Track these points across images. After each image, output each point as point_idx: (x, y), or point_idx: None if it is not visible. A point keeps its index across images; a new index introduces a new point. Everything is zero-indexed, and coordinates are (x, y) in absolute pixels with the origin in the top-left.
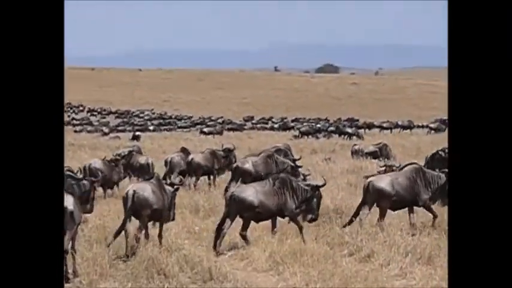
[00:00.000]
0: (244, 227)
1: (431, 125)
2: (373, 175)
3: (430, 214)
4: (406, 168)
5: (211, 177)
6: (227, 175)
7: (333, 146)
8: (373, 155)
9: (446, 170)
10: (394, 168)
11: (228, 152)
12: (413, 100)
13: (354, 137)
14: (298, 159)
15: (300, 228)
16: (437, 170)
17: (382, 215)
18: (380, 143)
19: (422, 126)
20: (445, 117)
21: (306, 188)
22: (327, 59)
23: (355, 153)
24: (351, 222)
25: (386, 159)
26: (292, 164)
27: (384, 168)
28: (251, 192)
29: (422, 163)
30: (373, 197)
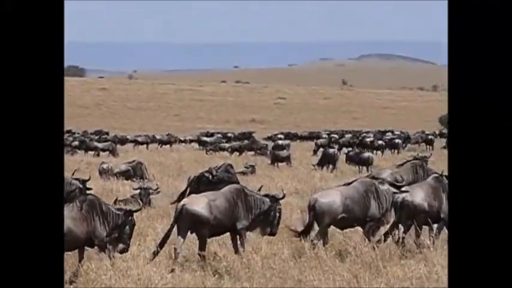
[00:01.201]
0: None
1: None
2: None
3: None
4: (355, 183)
5: None
6: None
7: (77, 165)
8: (125, 174)
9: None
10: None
11: None
12: (175, 109)
13: (105, 153)
14: None
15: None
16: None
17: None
18: (134, 161)
19: (185, 141)
20: (212, 130)
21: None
22: (71, 59)
23: (103, 172)
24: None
25: (141, 180)
26: None
27: None
28: None
29: (184, 184)
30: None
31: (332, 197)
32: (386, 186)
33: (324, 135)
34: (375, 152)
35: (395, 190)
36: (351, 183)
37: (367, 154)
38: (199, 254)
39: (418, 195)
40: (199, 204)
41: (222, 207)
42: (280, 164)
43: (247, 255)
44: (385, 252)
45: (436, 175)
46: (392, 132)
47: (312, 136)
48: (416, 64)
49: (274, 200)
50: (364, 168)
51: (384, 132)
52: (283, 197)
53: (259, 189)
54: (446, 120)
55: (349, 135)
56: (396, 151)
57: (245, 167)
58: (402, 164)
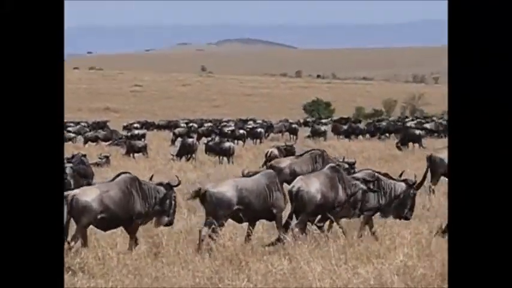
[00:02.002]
0: None
1: None
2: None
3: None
4: (258, 176)
5: None
6: None
7: None
8: None
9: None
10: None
11: None
12: None
13: None
14: None
15: None
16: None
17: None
18: None
19: None
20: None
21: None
22: None
23: None
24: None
25: None
26: None
27: None
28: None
29: None
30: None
31: (225, 188)
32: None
33: (182, 124)
34: (236, 141)
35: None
36: (254, 174)
37: (227, 144)
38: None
39: (313, 185)
40: (89, 195)
41: (116, 198)
42: (136, 154)
43: (103, 251)
44: (246, 247)
45: (332, 165)
46: (254, 121)
47: (169, 125)
48: (277, 49)
49: (169, 187)
50: (225, 158)
51: (246, 121)
52: (179, 183)
53: (151, 178)
54: (311, 108)
55: (209, 124)
56: (258, 141)
57: (99, 158)
58: (302, 154)
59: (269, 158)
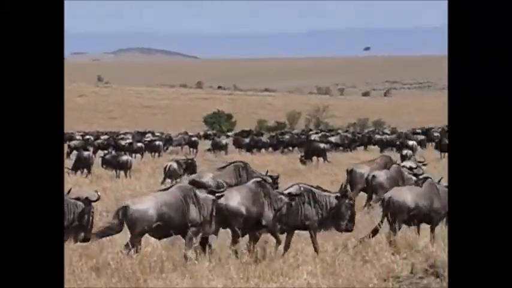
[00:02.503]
0: None
1: None
2: None
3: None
4: (173, 189)
5: None
6: None
7: None
8: None
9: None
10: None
11: None
12: None
13: None
14: None
15: None
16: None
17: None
18: None
19: None
20: None
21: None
22: None
23: None
24: None
25: None
26: None
27: None
28: None
29: None
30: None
31: (145, 205)
32: (204, 194)
33: (78, 137)
34: (133, 155)
35: (213, 197)
36: (168, 188)
37: (125, 157)
38: None
39: (235, 199)
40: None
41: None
42: None
43: None
44: (145, 264)
45: (258, 179)
46: (152, 133)
47: (64, 138)
48: (178, 59)
49: (88, 202)
50: (122, 172)
51: (144, 134)
52: (98, 198)
53: (68, 192)
54: (212, 120)
55: (106, 137)
56: (157, 154)
57: None
58: (224, 167)
59: (168, 172)
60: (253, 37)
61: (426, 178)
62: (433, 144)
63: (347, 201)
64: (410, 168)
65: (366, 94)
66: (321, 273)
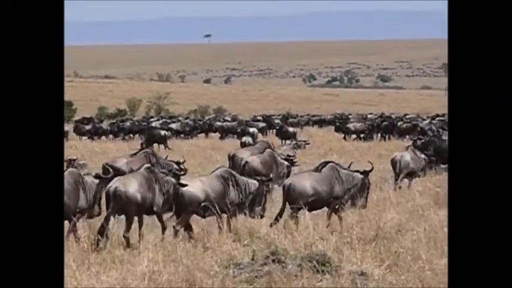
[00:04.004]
0: None
1: None
2: None
3: None
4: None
5: None
6: None
7: None
8: None
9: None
10: None
11: None
12: None
13: None
14: None
15: None
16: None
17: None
18: None
19: None
20: None
21: None
22: None
23: None
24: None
25: None
26: None
27: None
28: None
29: None
30: None
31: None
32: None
33: None
34: None
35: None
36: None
37: None
38: None
39: (132, 186)
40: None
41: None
42: None
43: None
44: None
45: (148, 165)
46: None
47: None
48: None
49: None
50: None
51: None
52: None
53: None
54: None
55: None
56: None
57: None
58: (135, 153)
59: None
60: (94, 24)
61: (327, 163)
62: (274, 131)
63: (263, 187)
64: (288, 156)
65: (207, 81)
66: (162, 261)
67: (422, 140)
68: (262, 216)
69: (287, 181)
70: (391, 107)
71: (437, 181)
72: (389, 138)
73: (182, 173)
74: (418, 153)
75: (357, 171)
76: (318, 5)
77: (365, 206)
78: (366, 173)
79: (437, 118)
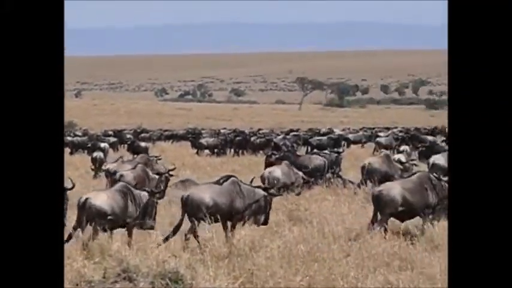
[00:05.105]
0: None
1: None
2: None
3: None
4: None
5: None
6: None
7: None
8: None
9: None
10: None
11: None
12: None
13: None
14: None
15: None
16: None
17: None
18: None
19: None
20: None
21: None
22: None
23: None
24: None
25: None
26: None
27: None
28: None
29: None
30: None
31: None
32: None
33: None
34: None
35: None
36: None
37: None
38: None
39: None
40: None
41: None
42: None
43: None
44: None
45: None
46: None
47: None
48: None
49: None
50: None
51: None
52: None
53: None
54: None
55: None
56: None
57: None
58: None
59: None
60: None
61: (229, 177)
62: (125, 146)
63: (153, 199)
64: (158, 171)
65: None
66: None
67: (277, 156)
68: (153, 227)
69: (185, 193)
70: (244, 122)
71: (293, 198)
72: (242, 153)
73: None
74: (294, 169)
75: (258, 187)
76: (170, 18)
77: (266, 222)
78: (267, 189)
79: (292, 133)
